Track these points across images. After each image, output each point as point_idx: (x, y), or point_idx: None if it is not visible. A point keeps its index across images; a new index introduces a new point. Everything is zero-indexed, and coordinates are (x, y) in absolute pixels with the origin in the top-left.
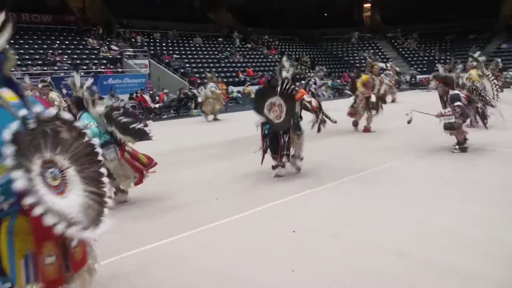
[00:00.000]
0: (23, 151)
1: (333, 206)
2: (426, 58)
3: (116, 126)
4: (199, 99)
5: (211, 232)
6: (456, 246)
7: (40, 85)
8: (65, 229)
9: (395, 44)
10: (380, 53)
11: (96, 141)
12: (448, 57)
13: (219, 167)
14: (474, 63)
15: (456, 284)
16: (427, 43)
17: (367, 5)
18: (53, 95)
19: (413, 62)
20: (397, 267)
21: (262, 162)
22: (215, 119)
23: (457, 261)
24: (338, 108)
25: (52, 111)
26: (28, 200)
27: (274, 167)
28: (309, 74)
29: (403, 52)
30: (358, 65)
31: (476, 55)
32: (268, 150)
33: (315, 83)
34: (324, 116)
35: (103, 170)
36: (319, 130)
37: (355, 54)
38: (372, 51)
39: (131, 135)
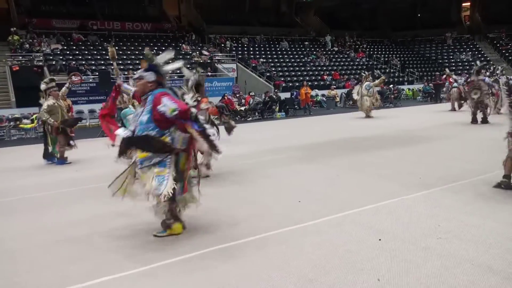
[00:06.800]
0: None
1: (423, 216)
2: None
3: None
4: (354, 97)
5: (294, 234)
6: None
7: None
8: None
9: (498, 45)
10: (480, 55)
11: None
12: None
13: (301, 169)
14: None
15: None
16: None
17: (466, 4)
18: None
19: None
20: None
21: None
22: (368, 117)
23: None
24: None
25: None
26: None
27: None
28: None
29: (507, 54)
30: (454, 68)
31: None
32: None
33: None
34: (227, 121)
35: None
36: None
37: (451, 57)
38: (470, 53)
39: None
